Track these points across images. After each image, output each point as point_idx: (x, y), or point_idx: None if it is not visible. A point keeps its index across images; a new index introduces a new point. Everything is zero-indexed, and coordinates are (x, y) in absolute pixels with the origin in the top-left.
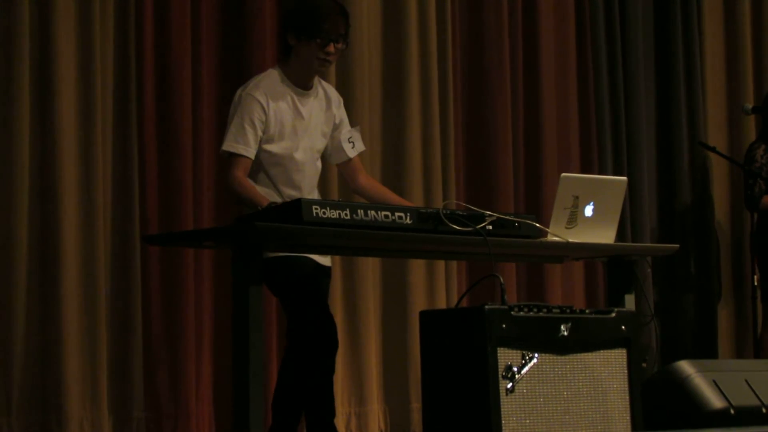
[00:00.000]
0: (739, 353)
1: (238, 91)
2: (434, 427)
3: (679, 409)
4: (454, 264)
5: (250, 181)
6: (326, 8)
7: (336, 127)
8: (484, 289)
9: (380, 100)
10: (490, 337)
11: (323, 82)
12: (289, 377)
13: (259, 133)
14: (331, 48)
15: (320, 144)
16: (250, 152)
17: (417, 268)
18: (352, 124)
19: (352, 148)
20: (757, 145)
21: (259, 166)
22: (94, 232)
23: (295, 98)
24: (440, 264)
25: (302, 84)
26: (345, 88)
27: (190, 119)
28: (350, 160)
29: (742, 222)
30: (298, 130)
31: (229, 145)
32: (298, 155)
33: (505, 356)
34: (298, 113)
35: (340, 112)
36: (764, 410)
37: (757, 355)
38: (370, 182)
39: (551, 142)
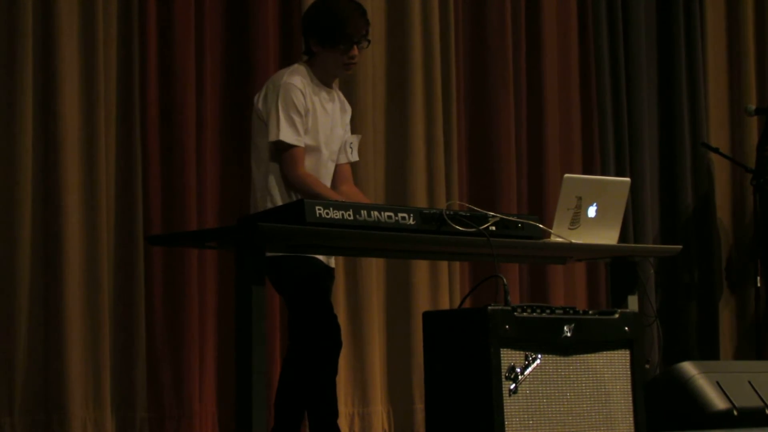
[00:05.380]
0: (740, 354)
1: (270, 83)
2: (437, 427)
3: (682, 410)
4: (457, 265)
5: (315, 177)
6: (347, 13)
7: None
8: (487, 289)
9: (384, 101)
10: (493, 338)
11: (336, 88)
12: (291, 377)
13: (304, 121)
14: (355, 51)
15: (337, 144)
16: (302, 142)
17: (420, 268)
18: (354, 131)
19: (351, 153)
20: None
21: None
22: (97, 233)
23: (321, 95)
24: (443, 264)
25: (326, 83)
26: (349, 89)
27: (193, 120)
28: (343, 165)
29: (744, 223)
30: (325, 125)
31: (284, 136)
32: (324, 150)
33: (508, 357)
34: (324, 109)
35: (348, 120)
36: (767, 411)
37: (760, 357)
38: (351, 191)
39: (554, 143)
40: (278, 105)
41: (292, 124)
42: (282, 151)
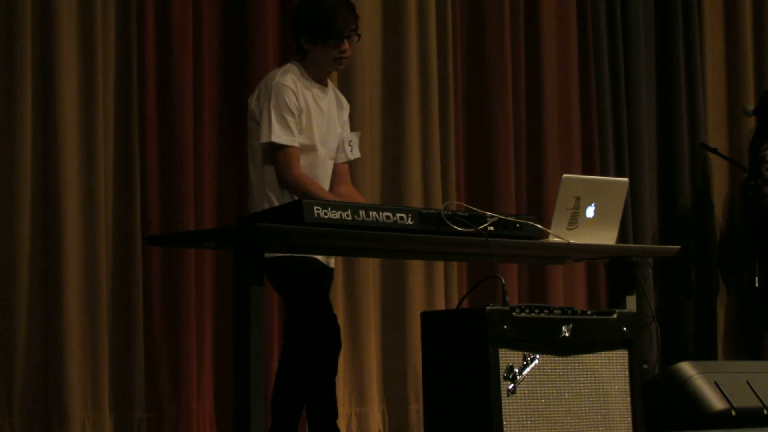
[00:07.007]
0: (738, 355)
1: (262, 84)
2: (436, 427)
3: (681, 411)
4: (454, 265)
5: (310, 177)
6: (335, 8)
7: (342, 131)
8: (485, 290)
9: (380, 102)
10: (492, 338)
11: (332, 85)
12: (288, 377)
13: (297, 120)
14: (346, 45)
15: (335, 142)
16: (296, 141)
17: (417, 268)
18: (353, 129)
19: (351, 152)
20: (765, 146)
21: None
22: (95, 233)
23: (315, 93)
24: (439, 265)
25: (320, 80)
26: (345, 90)
27: (191, 120)
28: (340, 164)
29: (742, 223)
30: (320, 123)
31: (276, 137)
32: (320, 148)
33: (507, 357)
34: (318, 107)
35: (346, 117)
36: (765, 411)
37: (758, 357)
38: (349, 191)
39: (553, 143)
40: (270, 106)
41: (285, 124)
42: (276, 151)
